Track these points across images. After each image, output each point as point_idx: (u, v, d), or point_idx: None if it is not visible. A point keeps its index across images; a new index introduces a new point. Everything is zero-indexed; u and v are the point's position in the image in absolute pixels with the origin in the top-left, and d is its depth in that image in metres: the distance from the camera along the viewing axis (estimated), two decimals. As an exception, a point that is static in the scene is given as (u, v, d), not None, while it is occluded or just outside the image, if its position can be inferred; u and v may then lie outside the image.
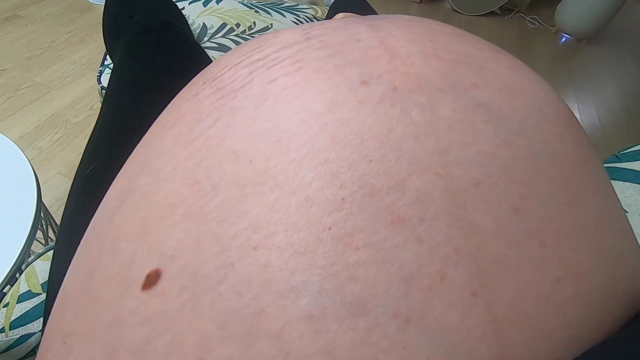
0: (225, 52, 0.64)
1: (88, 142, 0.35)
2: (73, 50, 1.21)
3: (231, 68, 0.13)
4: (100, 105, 1.04)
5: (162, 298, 0.09)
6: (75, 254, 0.14)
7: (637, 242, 0.13)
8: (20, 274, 0.37)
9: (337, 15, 0.18)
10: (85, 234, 0.15)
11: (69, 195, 0.31)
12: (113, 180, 0.29)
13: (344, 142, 0.10)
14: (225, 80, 0.13)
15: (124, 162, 0.30)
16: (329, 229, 0.09)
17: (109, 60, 0.61)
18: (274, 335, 0.08)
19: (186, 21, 0.60)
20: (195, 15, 0.71)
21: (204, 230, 0.10)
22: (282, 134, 0.10)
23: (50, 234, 0.55)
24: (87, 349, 0.10)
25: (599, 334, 0.10)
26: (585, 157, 0.12)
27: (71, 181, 0.88)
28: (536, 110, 0.11)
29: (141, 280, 0.10)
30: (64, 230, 0.29)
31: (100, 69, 0.60)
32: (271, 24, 0.73)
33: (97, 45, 1.25)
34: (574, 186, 0.10)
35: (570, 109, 0.14)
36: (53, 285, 0.27)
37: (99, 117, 0.38)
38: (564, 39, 2.01)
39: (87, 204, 0.29)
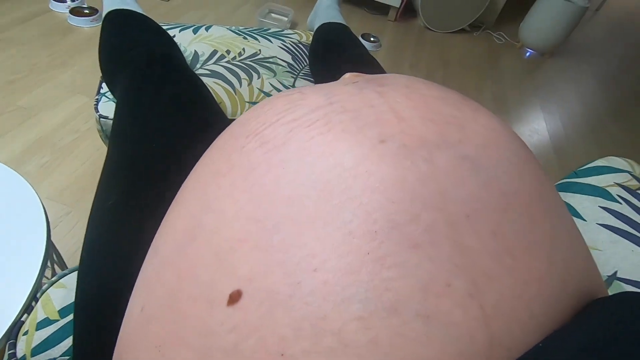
0: (217, 78, 0.67)
1: (102, 174, 0.37)
2: (56, 72, 1.21)
3: (270, 125, 0.17)
4: (86, 129, 1.05)
5: (244, 311, 0.13)
6: (143, 282, 0.17)
7: (586, 248, 0.17)
8: (36, 302, 0.38)
9: (345, 75, 0.22)
10: (149, 265, 0.18)
11: (89, 224, 0.34)
12: (134, 211, 0.32)
13: (372, 188, 0.13)
14: (267, 136, 0.16)
15: (145, 196, 0.33)
16: (368, 254, 0.12)
17: (105, 89, 0.63)
18: (335, 332, 0.11)
19: (180, 50, 0.63)
20: (186, 42, 0.74)
21: (272, 258, 0.13)
22: (325, 184, 0.14)
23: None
24: (183, 353, 0.13)
25: (556, 323, 0.13)
26: (541, 190, 0.16)
27: (61, 206, 0.87)
28: (504, 158, 0.16)
29: (225, 298, 0.13)
30: (89, 255, 0.31)
31: (97, 97, 0.62)
32: (259, 50, 0.77)
33: (80, 67, 1.25)
34: (533, 213, 0.15)
35: (530, 152, 0.18)
36: (83, 304, 0.29)
37: (109, 149, 0.40)
38: (528, 54, 2.15)
39: (112, 233, 0.31)
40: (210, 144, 0.41)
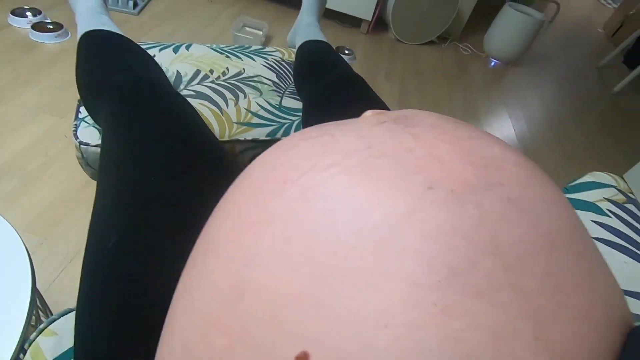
0: (203, 99, 0.66)
1: (95, 212, 0.35)
2: (19, 92, 1.14)
3: (307, 172, 0.16)
4: (55, 152, 0.99)
5: None
6: (180, 345, 0.16)
7: (612, 274, 0.18)
8: (24, 354, 0.35)
9: (366, 113, 0.22)
10: (182, 324, 0.17)
11: (85, 271, 0.31)
12: (140, 250, 0.30)
13: (429, 236, 0.13)
14: (306, 183, 0.16)
15: (152, 234, 0.31)
16: (435, 304, 0.12)
17: (83, 113, 0.60)
18: None
19: (164, 73, 0.61)
20: (167, 62, 0.72)
21: (337, 315, 0.12)
22: (379, 234, 0.13)
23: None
24: None
25: (611, 354, 0.14)
26: (577, 224, 0.17)
27: (32, 236, 0.82)
28: (543, 197, 0.16)
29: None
30: (91, 307, 0.29)
31: (75, 122, 0.59)
32: (243, 69, 0.76)
33: (45, 86, 1.19)
34: (574, 249, 0.15)
35: (557, 187, 0.19)
36: (82, 346, 0.27)
37: (100, 183, 0.38)
38: (493, 63, 2.26)
39: (116, 280, 0.29)
40: (210, 175, 0.40)
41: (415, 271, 0.12)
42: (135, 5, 1.63)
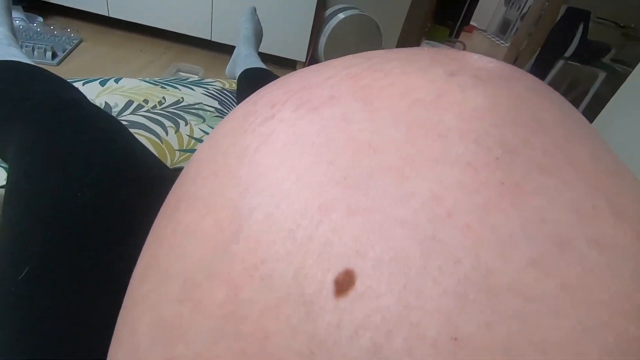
0: (138, 128, 0.59)
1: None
2: None
3: (304, 88, 0.14)
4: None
5: (365, 299, 0.08)
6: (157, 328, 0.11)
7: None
8: None
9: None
10: (160, 297, 0.12)
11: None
12: (63, 276, 0.23)
13: (468, 117, 0.11)
14: (307, 96, 0.13)
15: (80, 257, 0.24)
16: (502, 184, 0.10)
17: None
18: (511, 288, 0.09)
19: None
20: (93, 95, 0.65)
21: (383, 217, 0.09)
22: (413, 121, 0.11)
23: None
24: None
25: None
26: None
27: None
28: (553, 91, 0.15)
29: (330, 287, 0.09)
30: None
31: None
32: (182, 98, 0.72)
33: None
34: (601, 139, 0.14)
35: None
36: None
37: (4, 216, 0.30)
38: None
39: (32, 314, 0.22)
40: (145, 189, 0.34)
41: (465, 152, 0.10)
42: (54, 56, 1.52)
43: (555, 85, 2.46)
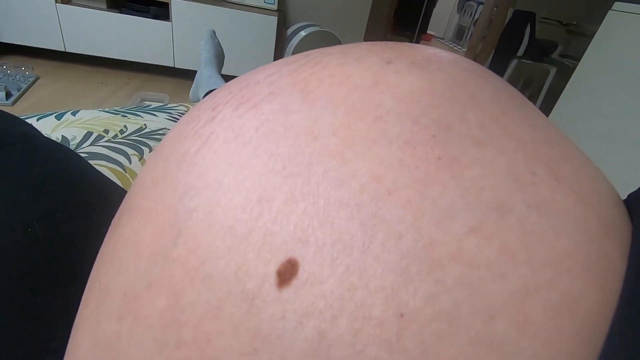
0: (99, 159, 0.57)
1: None
2: None
3: (243, 88, 0.14)
4: None
5: (306, 288, 0.08)
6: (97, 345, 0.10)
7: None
8: None
9: None
10: (102, 313, 0.11)
11: None
12: (7, 321, 0.21)
13: (405, 98, 0.12)
14: (246, 95, 0.13)
15: (17, 295, 0.22)
16: (439, 158, 0.10)
17: None
18: (455, 255, 0.09)
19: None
20: (49, 130, 0.63)
21: (324, 203, 0.09)
22: (351, 106, 0.12)
23: None
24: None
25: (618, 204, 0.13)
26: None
27: None
28: (486, 71, 0.15)
29: (272, 280, 0.09)
30: None
31: None
32: (145, 125, 0.70)
33: None
34: (535, 111, 0.15)
35: None
36: None
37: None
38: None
39: None
40: (102, 217, 0.32)
41: (402, 132, 0.10)
42: (8, 95, 1.46)
43: (512, 83, 2.60)
